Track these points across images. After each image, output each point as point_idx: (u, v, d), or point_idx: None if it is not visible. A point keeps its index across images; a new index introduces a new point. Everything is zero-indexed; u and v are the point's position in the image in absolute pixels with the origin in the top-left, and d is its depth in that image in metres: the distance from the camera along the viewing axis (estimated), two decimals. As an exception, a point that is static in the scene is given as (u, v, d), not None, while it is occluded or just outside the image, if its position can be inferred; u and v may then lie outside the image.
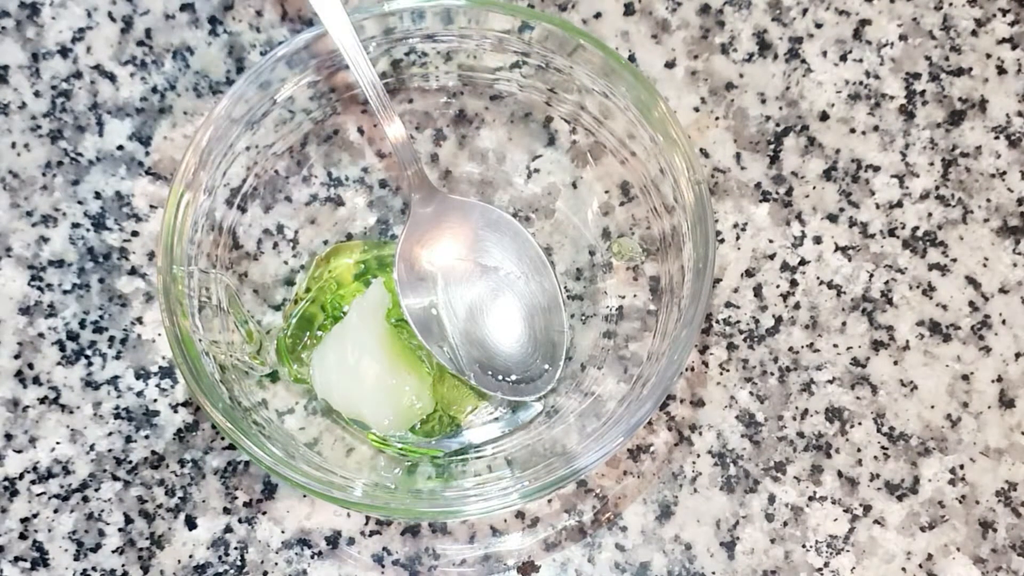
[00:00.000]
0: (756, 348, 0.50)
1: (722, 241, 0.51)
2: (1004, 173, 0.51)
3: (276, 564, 0.48)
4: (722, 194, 0.51)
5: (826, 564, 0.48)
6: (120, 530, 0.48)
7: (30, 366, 0.49)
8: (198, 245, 0.45)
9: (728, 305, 0.51)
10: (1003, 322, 0.51)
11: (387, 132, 0.46)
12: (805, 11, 0.52)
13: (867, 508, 0.49)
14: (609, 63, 0.45)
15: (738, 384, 0.50)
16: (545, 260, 0.49)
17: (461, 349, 0.48)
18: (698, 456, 0.49)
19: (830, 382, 0.50)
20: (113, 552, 0.48)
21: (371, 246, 0.50)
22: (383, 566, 0.48)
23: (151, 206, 0.51)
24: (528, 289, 0.49)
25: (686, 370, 0.50)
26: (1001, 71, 0.52)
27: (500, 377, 0.48)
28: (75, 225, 0.50)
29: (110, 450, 0.48)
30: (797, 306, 0.51)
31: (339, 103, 0.49)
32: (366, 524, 0.48)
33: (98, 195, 0.50)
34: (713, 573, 0.48)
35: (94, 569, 0.47)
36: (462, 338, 0.48)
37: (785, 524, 0.49)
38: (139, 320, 0.50)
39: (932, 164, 0.52)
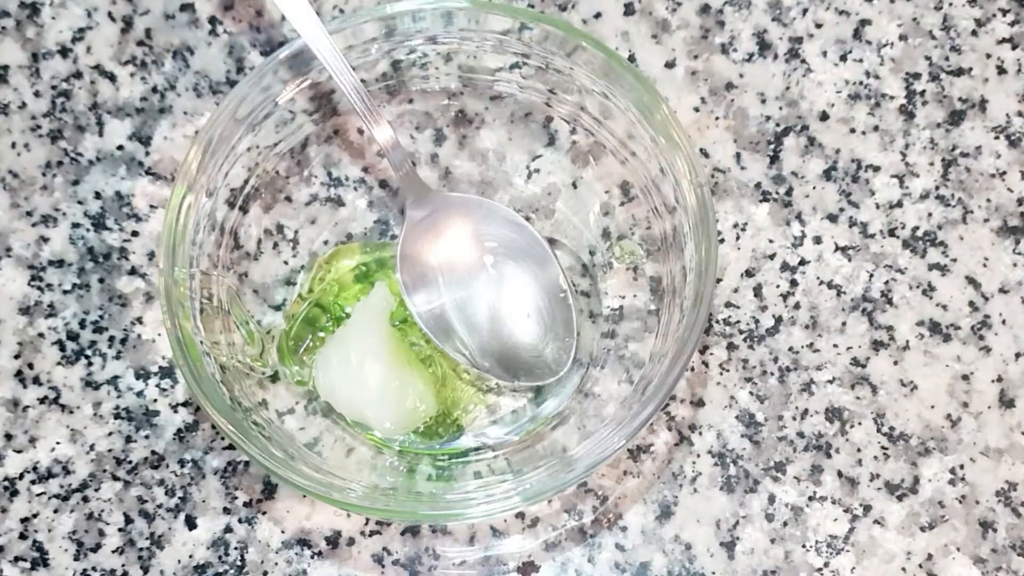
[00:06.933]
0: (756, 348, 0.50)
1: (722, 241, 0.51)
2: (1004, 173, 0.51)
3: (276, 564, 0.48)
4: (722, 194, 0.51)
5: (826, 564, 0.49)
6: (120, 530, 0.48)
7: (30, 366, 0.49)
8: (199, 246, 0.45)
9: (728, 305, 0.51)
10: (1003, 322, 0.51)
11: (375, 135, 0.46)
12: (805, 11, 0.52)
13: (867, 508, 0.49)
14: (609, 64, 0.45)
15: (738, 384, 0.50)
16: (546, 246, 0.49)
17: (474, 344, 0.48)
18: (698, 456, 0.49)
19: (830, 382, 0.50)
20: (113, 552, 0.48)
21: (372, 248, 0.50)
22: (383, 566, 0.48)
23: (151, 206, 0.51)
24: (532, 275, 0.49)
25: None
26: (1001, 71, 0.52)
27: (517, 365, 0.48)
28: (75, 225, 0.50)
29: (110, 450, 0.48)
30: (797, 306, 0.51)
31: (340, 103, 0.49)
32: (366, 524, 0.48)
33: (98, 195, 0.50)
34: (713, 573, 0.48)
35: (94, 569, 0.47)
36: (473, 333, 0.48)
37: (785, 524, 0.49)
38: (139, 320, 0.50)
39: (932, 164, 0.52)
